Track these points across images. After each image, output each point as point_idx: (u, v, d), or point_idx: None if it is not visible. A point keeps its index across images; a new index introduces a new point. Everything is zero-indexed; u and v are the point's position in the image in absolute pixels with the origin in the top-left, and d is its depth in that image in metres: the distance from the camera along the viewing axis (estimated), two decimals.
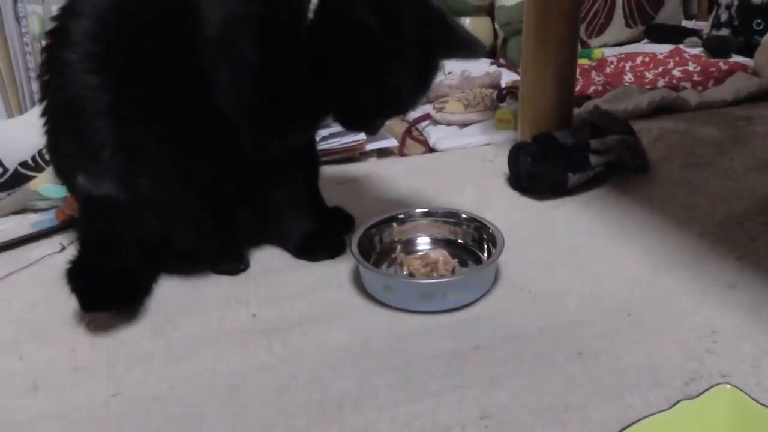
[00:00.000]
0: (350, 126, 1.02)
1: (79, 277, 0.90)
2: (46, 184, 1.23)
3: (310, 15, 0.90)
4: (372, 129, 1.02)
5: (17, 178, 1.25)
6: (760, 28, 2.16)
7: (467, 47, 0.97)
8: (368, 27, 0.86)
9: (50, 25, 0.98)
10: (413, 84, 0.94)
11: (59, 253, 1.13)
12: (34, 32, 1.45)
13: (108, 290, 0.91)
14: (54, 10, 1.49)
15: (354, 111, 0.97)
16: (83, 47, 0.93)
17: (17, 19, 1.39)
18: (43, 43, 1.43)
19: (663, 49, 2.27)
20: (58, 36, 0.96)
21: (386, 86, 0.92)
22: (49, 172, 1.23)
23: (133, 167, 0.93)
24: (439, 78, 1.95)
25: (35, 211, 1.28)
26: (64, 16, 0.96)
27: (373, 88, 0.92)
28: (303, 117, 1.00)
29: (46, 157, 1.16)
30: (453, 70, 2.09)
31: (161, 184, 0.95)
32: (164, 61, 0.94)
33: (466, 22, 2.34)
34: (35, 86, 1.44)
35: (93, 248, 0.92)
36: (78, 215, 1.01)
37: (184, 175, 0.97)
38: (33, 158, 1.25)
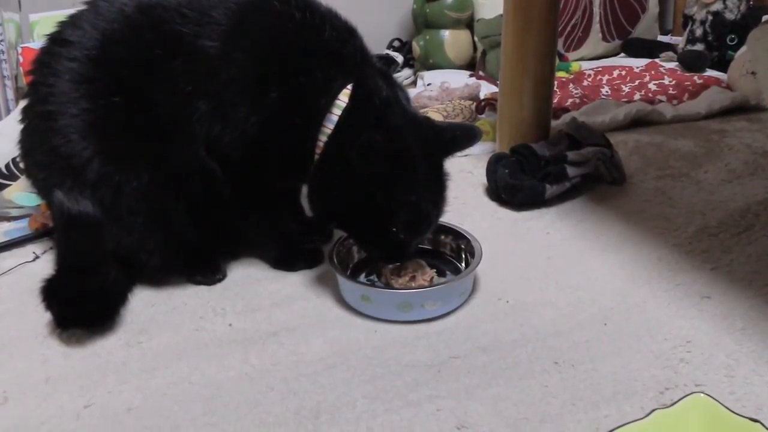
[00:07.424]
0: (389, 259, 0.98)
1: (54, 295, 0.89)
2: (20, 193, 1.22)
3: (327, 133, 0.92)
4: (409, 254, 0.97)
5: None
6: (734, 43, 2.20)
7: (467, 137, 0.97)
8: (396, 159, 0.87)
9: (53, 29, 0.96)
10: (434, 196, 0.94)
11: (32, 262, 1.11)
12: (10, 40, 1.44)
13: (84, 308, 0.90)
14: (32, 18, 1.48)
15: (389, 241, 0.93)
16: (78, 64, 0.92)
17: None
18: (20, 49, 1.42)
19: (639, 62, 2.31)
20: (56, 44, 0.94)
21: (416, 207, 0.91)
22: (23, 180, 1.21)
23: (113, 192, 0.92)
24: (419, 89, 1.95)
25: (8, 219, 1.27)
26: (68, 26, 0.95)
27: (404, 212, 0.90)
28: (294, 172, 0.99)
29: (21, 165, 1.14)
30: (433, 81, 2.09)
31: (141, 208, 0.94)
32: (155, 95, 0.93)
33: (446, 34, 2.36)
34: (10, 94, 1.42)
35: (69, 267, 0.90)
36: (55, 230, 0.99)
37: (165, 201, 0.96)
38: (7, 166, 1.23)
